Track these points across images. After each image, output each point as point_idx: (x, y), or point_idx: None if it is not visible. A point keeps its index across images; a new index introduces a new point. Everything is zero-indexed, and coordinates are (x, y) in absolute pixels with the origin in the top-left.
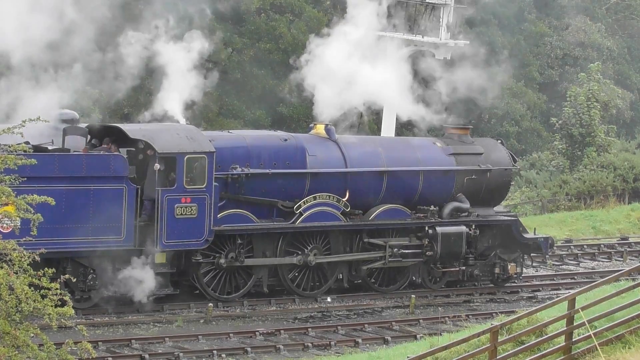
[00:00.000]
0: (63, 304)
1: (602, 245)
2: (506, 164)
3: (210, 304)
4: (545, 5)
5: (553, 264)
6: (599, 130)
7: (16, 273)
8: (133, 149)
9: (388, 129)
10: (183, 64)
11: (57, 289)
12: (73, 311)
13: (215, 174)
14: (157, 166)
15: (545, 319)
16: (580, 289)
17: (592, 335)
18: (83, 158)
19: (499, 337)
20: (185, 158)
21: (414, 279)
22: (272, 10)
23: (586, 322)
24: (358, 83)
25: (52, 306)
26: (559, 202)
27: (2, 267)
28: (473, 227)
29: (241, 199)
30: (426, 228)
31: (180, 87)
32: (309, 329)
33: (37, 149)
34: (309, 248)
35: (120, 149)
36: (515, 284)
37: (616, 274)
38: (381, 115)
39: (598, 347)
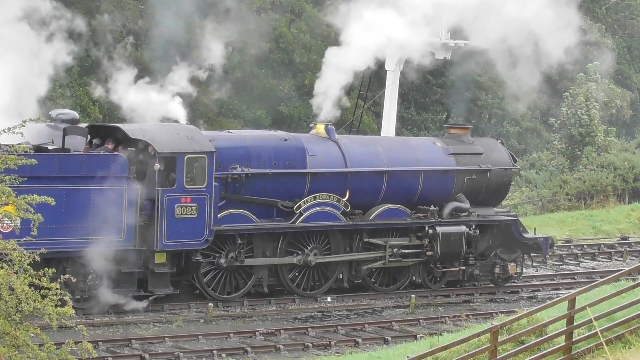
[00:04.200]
0: (63, 304)
1: (602, 245)
2: (506, 164)
3: (210, 304)
4: None
5: (553, 264)
6: (599, 130)
7: (16, 273)
8: (133, 149)
9: (388, 129)
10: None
11: (57, 289)
12: (73, 311)
13: (215, 174)
14: (157, 166)
15: (545, 319)
16: (580, 289)
17: (592, 335)
18: (83, 158)
19: (499, 337)
20: (185, 158)
21: (414, 279)
22: (273, 10)
23: (586, 322)
24: None
25: (52, 306)
26: (559, 202)
27: (2, 267)
28: (473, 227)
29: (241, 199)
30: (426, 228)
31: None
32: (309, 329)
33: (37, 149)
34: (309, 248)
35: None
36: (515, 284)
37: (616, 274)
38: (381, 114)
39: (598, 347)
